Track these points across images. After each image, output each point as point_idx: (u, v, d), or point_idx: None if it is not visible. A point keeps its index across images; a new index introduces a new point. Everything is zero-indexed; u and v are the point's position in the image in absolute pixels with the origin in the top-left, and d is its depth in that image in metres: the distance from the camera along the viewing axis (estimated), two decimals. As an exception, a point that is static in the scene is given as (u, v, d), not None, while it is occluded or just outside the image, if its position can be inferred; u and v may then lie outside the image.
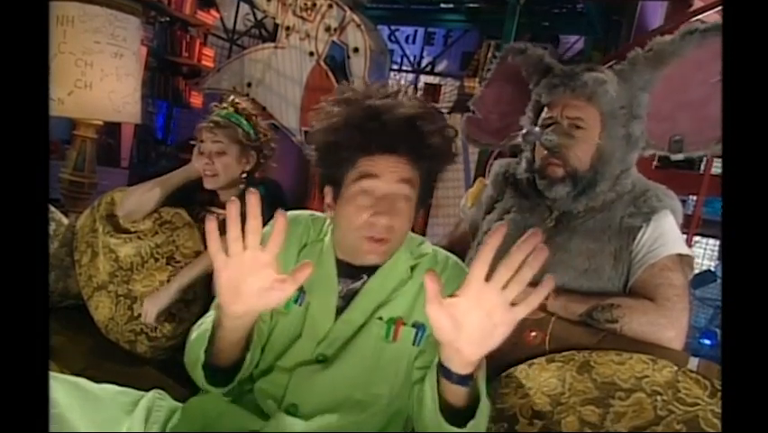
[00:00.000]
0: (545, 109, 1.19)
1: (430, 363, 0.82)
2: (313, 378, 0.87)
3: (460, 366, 0.68)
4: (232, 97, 1.52)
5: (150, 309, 1.31)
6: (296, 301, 0.92)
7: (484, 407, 0.75)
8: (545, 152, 1.15)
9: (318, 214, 1.01)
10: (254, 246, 0.66)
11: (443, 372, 0.71)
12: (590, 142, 1.13)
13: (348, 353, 0.88)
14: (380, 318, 0.89)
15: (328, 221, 0.98)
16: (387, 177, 0.83)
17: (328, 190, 0.91)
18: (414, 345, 0.88)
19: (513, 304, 0.61)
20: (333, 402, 0.86)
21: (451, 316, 0.62)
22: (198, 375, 0.81)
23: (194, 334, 0.86)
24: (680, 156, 1.17)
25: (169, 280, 1.36)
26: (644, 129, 1.16)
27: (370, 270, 0.91)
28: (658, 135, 1.17)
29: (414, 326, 0.89)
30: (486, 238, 0.64)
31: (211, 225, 0.65)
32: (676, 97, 1.15)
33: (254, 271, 0.67)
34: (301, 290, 0.91)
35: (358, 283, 0.91)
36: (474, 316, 0.62)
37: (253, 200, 0.64)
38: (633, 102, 1.14)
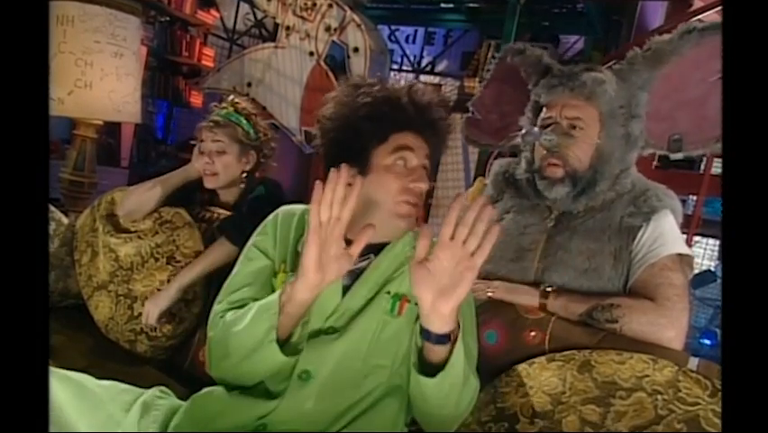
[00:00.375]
0: (544, 109, 1.19)
1: None
2: (324, 346, 0.90)
3: (438, 323, 0.78)
4: (231, 97, 1.52)
5: (151, 310, 1.31)
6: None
7: (456, 361, 0.81)
8: (545, 152, 1.15)
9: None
10: (339, 216, 0.77)
11: (424, 334, 0.80)
12: (590, 142, 1.13)
13: (356, 324, 0.91)
14: (388, 292, 0.93)
15: None
16: (419, 152, 0.93)
17: (346, 167, 0.91)
18: (416, 322, 0.89)
19: (472, 254, 0.75)
20: (342, 370, 0.89)
21: (428, 271, 0.76)
22: (271, 349, 0.82)
23: (237, 327, 0.85)
24: (679, 155, 1.17)
25: (169, 280, 1.36)
26: (644, 128, 1.16)
27: (375, 249, 0.94)
28: (657, 134, 1.17)
29: (417, 304, 0.90)
30: (450, 204, 0.76)
31: (317, 195, 0.76)
32: (675, 96, 1.15)
33: (334, 239, 0.77)
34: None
35: (364, 262, 0.94)
36: (445, 269, 0.76)
37: (345, 172, 0.76)
38: (632, 101, 1.14)
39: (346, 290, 0.93)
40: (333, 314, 0.92)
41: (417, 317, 0.89)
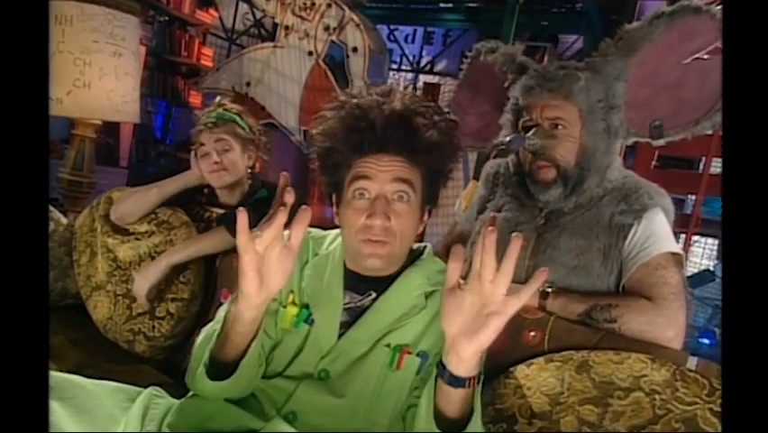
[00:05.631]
0: (524, 111, 1.18)
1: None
2: (317, 393, 0.85)
3: (454, 364, 0.68)
4: (218, 98, 1.53)
5: (140, 283, 1.32)
6: (305, 320, 0.89)
7: (475, 421, 0.74)
8: (531, 155, 1.15)
9: (316, 231, 1.00)
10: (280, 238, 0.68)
11: (440, 371, 0.70)
12: (573, 140, 1.13)
13: (353, 377, 0.85)
14: (387, 346, 0.86)
15: (333, 234, 0.98)
16: (379, 177, 0.82)
17: (333, 198, 0.91)
18: (417, 374, 0.86)
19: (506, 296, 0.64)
20: (333, 424, 0.84)
21: (457, 304, 0.66)
22: (200, 374, 0.80)
23: (199, 338, 0.85)
24: (661, 142, 1.15)
25: (166, 280, 1.36)
26: (624, 118, 1.15)
27: (378, 284, 0.89)
28: (638, 122, 1.16)
29: (418, 355, 0.86)
30: (478, 239, 0.67)
31: (242, 220, 0.65)
32: (652, 83, 1.14)
33: (272, 251, 0.68)
34: (310, 312, 0.90)
35: (366, 300, 0.89)
36: (474, 305, 0.65)
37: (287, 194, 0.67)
38: (609, 93, 1.14)
39: (344, 325, 0.88)
40: (329, 354, 0.87)
41: (419, 371, 0.86)
